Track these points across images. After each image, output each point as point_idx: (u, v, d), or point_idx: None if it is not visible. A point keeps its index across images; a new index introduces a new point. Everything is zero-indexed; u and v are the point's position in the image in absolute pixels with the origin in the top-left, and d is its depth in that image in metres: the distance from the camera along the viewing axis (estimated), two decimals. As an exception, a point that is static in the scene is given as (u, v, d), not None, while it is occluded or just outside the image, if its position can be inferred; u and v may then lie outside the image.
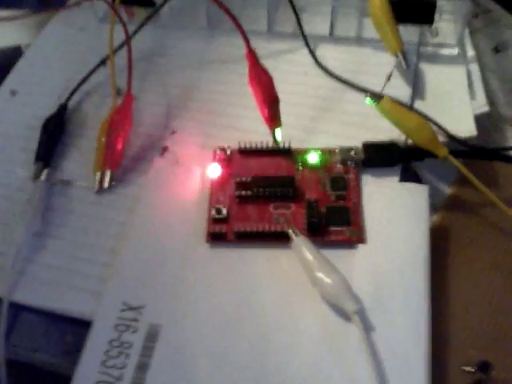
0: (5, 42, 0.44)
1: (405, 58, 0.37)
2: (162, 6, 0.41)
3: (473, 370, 0.27)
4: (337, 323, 0.27)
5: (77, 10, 0.43)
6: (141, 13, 0.42)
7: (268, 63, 0.32)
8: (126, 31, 0.36)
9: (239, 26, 0.30)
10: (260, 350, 0.27)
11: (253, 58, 0.31)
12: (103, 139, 0.34)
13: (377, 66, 0.39)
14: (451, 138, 0.34)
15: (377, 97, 0.33)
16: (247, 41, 0.31)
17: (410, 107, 0.36)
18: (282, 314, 0.28)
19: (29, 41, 0.43)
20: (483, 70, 0.39)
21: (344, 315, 0.27)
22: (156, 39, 0.42)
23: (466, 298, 0.29)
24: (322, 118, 0.36)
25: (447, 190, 0.34)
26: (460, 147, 0.34)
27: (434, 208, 0.32)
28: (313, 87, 0.38)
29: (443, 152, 0.31)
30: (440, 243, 0.31)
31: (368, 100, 0.33)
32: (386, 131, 0.34)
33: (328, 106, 0.37)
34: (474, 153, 0.34)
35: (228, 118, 0.37)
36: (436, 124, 0.35)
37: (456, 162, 0.31)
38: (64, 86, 0.39)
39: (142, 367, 0.26)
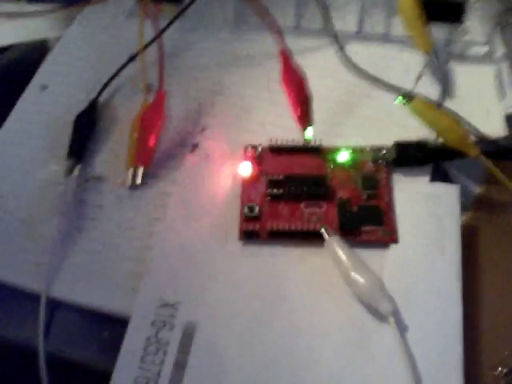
0: (33, 35, 0.44)
1: (436, 56, 0.37)
2: (191, 3, 0.40)
3: (505, 372, 0.27)
4: (370, 323, 0.27)
5: (104, 4, 0.43)
6: (168, 8, 0.42)
7: (296, 59, 0.32)
8: (157, 27, 0.36)
9: (274, 23, 0.30)
10: (292, 348, 0.27)
11: (286, 56, 0.31)
12: (135, 135, 0.34)
13: (405, 64, 0.39)
14: (480, 137, 0.34)
15: (408, 96, 0.33)
16: (281, 39, 0.31)
17: (440, 106, 0.36)
18: (314, 313, 0.28)
19: (57, 35, 0.43)
20: (513, 68, 0.39)
21: (377, 315, 0.27)
22: (184, 35, 0.42)
23: (497, 297, 0.29)
24: (349, 115, 0.36)
25: (477, 189, 0.34)
26: (489, 147, 0.34)
27: (463, 207, 0.32)
28: (340, 84, 0.38)
29: (474, 152, 0.31)
30: (470, 242, 0.31)
31: (399, 99, 0.33)
32: (414, 129, 0.33)
33: (356, 103, 0.37)
34: (505, 153, 0.34)
35: (258, 114, 0.37)
36: (466, 123, 0.35)
37: (487, 162, 0.31)
38: (93, 80, 0.39)
39: (180, 363, 0.26)
